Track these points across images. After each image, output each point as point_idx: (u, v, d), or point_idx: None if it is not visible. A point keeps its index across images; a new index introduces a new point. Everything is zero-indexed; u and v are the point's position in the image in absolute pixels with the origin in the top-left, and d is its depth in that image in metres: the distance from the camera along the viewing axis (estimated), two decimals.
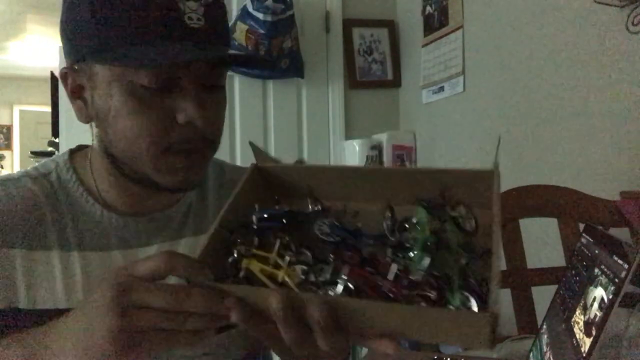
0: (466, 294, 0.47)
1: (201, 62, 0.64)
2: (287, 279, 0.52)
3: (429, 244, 0.51)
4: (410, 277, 0.50)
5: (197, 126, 0.64)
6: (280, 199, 0.64)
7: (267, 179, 0.63)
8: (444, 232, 0.54)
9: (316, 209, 0.61)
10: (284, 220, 0.58)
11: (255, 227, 0.57)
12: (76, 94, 0.68)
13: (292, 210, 0.59)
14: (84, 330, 0.50)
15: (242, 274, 0.53)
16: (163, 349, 0.50)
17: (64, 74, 0.68)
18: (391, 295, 0.49)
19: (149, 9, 0.60)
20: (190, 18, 0.62)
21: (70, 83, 0.68)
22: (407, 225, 0.57)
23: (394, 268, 0.50)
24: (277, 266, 0.53)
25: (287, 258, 0.53)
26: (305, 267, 0.54)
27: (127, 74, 0.62)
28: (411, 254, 0.52)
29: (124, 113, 0.63)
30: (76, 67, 0.67)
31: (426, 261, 0.50)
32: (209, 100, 0.66)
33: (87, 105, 0.68)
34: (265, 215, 0.58)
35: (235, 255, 0.54)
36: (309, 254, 0.56)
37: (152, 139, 0.64)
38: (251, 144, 0.62)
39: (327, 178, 0.62)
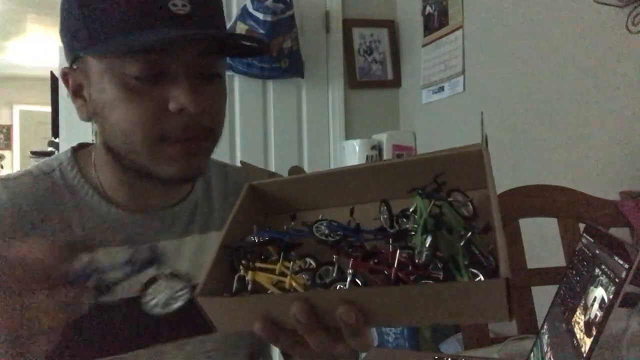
0: (473, 270, 0.46)
1: (190, 48, 0.63)
2: (294, 284, 0.52)
3: (428, 226, 0.51)
4: (416, 261, 0.49)
5: (191, 114, 0.63)
6: (277, 213, 0.66)
7: (263, 195, 0.66)
8: (442, 215, 0.54)
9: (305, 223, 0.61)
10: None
11: (256, 245, 0.58)
12: (76, 92, 0.70)
13: (290, 232, 0.60)
14: None
15: (249, 286, 0.54)
16: None
17: (65, 74, 0.70)
18: (399, 282, 0.49)
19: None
20: (174, 5, 0.62)
21: (71, 82, 0.70)
22: (405, 217, 0.58)
23: (397, 254, 0.50)
24: (283, 275, 0.53)
25: (291, 264, 0.54)
26: (309, 273, 0.54)
27: (117, 66, 0.63)
28: (413, 240, 0.52)
29: (117, 105, 0.63)
30: (74, 67, 0.68)
31: (427, 240, 0.50)
32: (203, 89, 0.65)
33: (87, 102, 0.69)
34: (266, 238, 0.58)
35: (242, 271, 0.55)
36: (311, 261, 0.56)
37: (146, 129, 0.64)
38: (242, 162, 0.63)
39: (319, 185, 0.63)
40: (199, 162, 0.69)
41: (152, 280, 0.70)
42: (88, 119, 0.70)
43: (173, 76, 0.64)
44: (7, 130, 7.29)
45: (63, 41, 0.68)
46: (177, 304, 0.72)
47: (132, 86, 0.63)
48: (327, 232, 0.58)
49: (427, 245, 0.50)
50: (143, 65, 0.62)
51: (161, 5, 0.61)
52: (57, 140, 2.82)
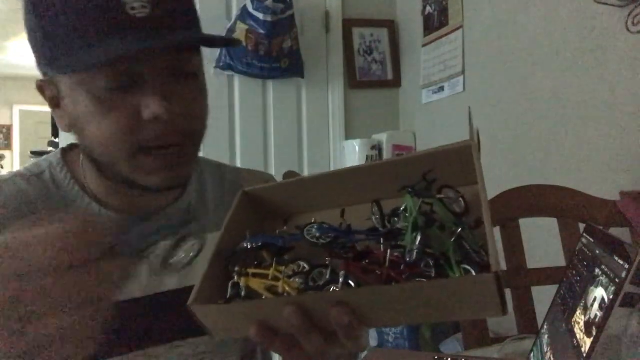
0: (465, 266, 0.46)
1: (158, 51, 0.60)
2: (287, 288, 0.52)
3: (418, 223, 0.51)
4: (407, 260, 0.49)
5: (166, 120, 0.61)
6: (271, 217, 0.66)
7: (257, 201, 0.66)
8: (433, 212, 0.54)
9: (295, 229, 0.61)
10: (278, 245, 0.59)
11: (249, 251, 0.58)
12: (54, 103, 0.68)
13: (283, 236, 0.60)
14: None
15: (243, 293, 0.54)
16: None
17: (40, 87, 0.68)
18: (392, 281, 0.49)
19: (88, 8, 0.58)
20: (133, 8, 0.58)
21: (48, 94, 0.68)
22: (397, 216, 0.57)
23: (388, 254, 0.50)
24: (276, 280, 0.54)
25: (284, 268, 0.54)
26: (303, 276, 0.54)
27: (86, 78, 0.60)
28: (404, 239, 0.52)
29: (92, 117, 0.62)
30: (46, 79, 0.66)
31: (417, 238, 0.50)
32: (177, 90, 0.62)
33: (64, 114, 0.67)
34: (259, 244, 0.58)
35: (235, 277, 0.55)
36: (305, 264, 0.56)
37: (122, 141, 0.61)
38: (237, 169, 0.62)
39: (312, 188, 0.64)
40: (182, 170, 0.67)
41: (182, 238, 0.68)
42: (67, 129, 0.67)
43: (144, 82, 0.61)
44: (7, 130, 7.30)
45: (33, 54, 0.65)
46: (191, 258, 0.68)
47: (103, 97, 0.60)
48: (318, 234, 0.58)
49: (417, 243, 0.50)
50: (111, 76, 0.59)
51: (119, 11, 0.58)
52: (57, 140, 2.82)
